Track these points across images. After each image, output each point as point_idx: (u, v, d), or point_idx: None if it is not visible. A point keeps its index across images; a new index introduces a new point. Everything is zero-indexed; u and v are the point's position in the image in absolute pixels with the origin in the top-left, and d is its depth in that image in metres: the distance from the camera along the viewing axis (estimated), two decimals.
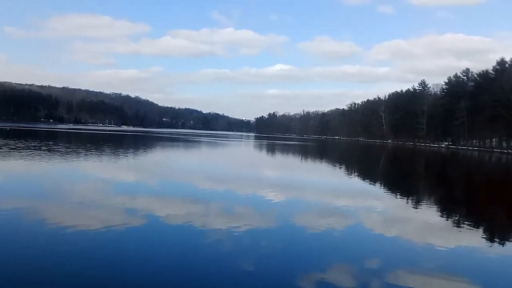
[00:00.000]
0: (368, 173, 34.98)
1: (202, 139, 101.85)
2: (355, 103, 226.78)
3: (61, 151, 35.09)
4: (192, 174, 25.90)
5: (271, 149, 70.93)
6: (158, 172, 25.86)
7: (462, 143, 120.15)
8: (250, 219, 12.66)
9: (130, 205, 13.76)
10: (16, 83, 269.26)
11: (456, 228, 13.64)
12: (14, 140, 46.88)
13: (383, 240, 11.39)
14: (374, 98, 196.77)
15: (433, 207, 18.03)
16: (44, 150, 35.49)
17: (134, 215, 12.29)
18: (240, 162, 40.46)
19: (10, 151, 31.15)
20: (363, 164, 50.23)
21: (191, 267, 8.32)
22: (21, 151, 32.06)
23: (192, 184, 20.90)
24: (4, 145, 37.68)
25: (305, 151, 69.56)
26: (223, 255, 9.19)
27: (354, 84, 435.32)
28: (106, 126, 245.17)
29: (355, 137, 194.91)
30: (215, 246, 9.76)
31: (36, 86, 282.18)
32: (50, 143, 48.63)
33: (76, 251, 8.71)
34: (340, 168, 40.41)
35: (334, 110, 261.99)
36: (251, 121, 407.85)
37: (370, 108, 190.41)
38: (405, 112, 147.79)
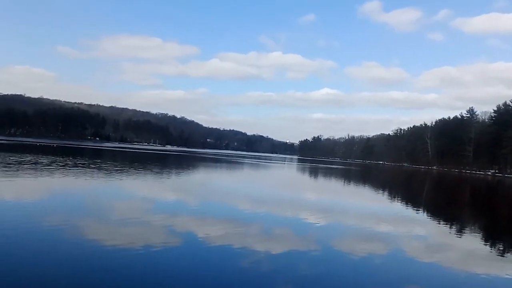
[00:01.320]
0: (411, 199, 34.38)
1: (245, 160, 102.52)
2: (400, 129, 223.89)
3: (109, 170, 36.01)
4: (233, 194, 26.17)
5: (314, 173, 70.66)
6: (202, 192, 26.29)
7: (509, 171, 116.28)
8: (289, 242, 12.79)
9: (173, 224, 14.18)
10: (65, 101, 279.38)
11: (500, 257, 13.34)
12: (63, 157, 48.50)
13: (424, 267, 11.27)
14: (421, 124, 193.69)
15: (477, 235, 17.65)
16: (93, 168, 36.60)
17: (176, 234, 12.66)
18: (282, 185, 40.49)
19: (59, 168, 32.28)
20: (407, 190, 49.33)
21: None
22: (70, 168, 33.21)
23: (233, 204, 21.14)
24: (53, 162, 39.01)
25: (348, 175, 69.01)
26: (261, 277, 9.31)
27: (400, 110, 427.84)
28: (151, 145, 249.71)
29: (399, 163, 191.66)
30: (254, 268, 9.89)
31: (85, 104, 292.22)
32: (98, 161, 49.98)
33: (114, 268, 9.04)
34: (383, 193, 39.92)
35: (379, 135, 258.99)
36: (294, 144, 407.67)
37: (416, 134, 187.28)
38: (452, 139, 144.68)
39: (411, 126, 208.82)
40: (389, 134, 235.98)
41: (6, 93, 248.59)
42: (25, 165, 32.06)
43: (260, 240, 12.58)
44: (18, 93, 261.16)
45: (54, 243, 10.52)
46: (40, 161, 38.59)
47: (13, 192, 18.90)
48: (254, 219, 16.75)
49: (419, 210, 26.43)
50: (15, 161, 35.96)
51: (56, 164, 35.92)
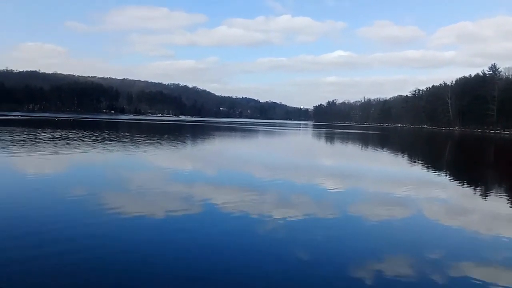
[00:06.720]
0: (432, 162, 33.76)
1: (260, 128, 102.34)
2: (419, 90, 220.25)
3: (142, 143, 35.99)
4: (249, 163, 26.04)
5: (331, 138, 70.15)
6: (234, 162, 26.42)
7: None
8: (307, 208, 12.55)
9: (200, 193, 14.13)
10: (79, 75, 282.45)
11: None
12: (88, 132, 49.03)
13: (446, 231, 10.95)
14: (440, 84, 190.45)
15: (502, 197, 17.11)
16: (126, 141, 37.22)
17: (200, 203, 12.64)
18: (298, 151, 40.21)
19: (95, 143, 33.01)
20: (428, 152, 48.55)
21: (247, 254, 8.43)
22: (105, 142, 34.07)
23: (249, 173, 20.99)
24: (83, 136, 39.84)
25: (366, 140, 68.24)
26: (279, 243, 9.12)
27: (417, 69, 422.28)
28: (165, 116, 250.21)
29: (418, 125, 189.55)
30: (271, 235, 9.74)
31: (98, 78, 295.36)
32: (127, 134, 50.77)
33: (135, 236, 9.11)
34: (403, 156, 39.37)
35: (396, 97, 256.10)
36: (309, 110, 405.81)
37: (435, 94, 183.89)
38: (474, 98, 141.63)
39: (430, 86, 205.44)
40: (406, 95, 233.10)
41: (21, 70, 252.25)
42: (61, 141, 32.91)
43: (277, 207, 12.37)
44: (33, 69, 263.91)
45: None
46: (71, 136, 39.48)
47: (73, 167, 20.01)
48: (271, 186, 16.51)
49: (440, 173, 25.90)
50: (47, 137, 36.93)
51: (87, 139, 36.24)
